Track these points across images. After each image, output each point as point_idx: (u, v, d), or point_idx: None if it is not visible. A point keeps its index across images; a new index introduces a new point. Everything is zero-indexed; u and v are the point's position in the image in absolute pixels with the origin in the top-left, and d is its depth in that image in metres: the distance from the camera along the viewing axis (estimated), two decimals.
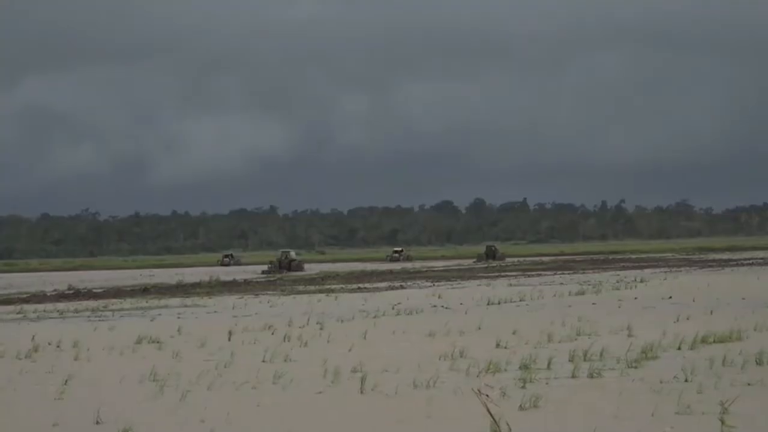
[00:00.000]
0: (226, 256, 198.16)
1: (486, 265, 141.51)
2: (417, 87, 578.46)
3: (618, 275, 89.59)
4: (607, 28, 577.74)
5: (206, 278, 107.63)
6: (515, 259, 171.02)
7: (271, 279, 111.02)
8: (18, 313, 59.05)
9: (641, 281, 75.95)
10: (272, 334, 39.17)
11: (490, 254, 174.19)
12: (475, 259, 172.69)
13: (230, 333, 38.83)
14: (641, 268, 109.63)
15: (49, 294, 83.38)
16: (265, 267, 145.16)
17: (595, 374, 25.03)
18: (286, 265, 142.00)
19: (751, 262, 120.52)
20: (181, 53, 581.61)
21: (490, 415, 15.46)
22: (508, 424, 16.40)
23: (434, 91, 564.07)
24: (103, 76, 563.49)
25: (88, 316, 54.01)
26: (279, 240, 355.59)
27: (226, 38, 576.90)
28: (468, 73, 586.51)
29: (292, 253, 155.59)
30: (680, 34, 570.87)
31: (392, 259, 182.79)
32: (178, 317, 50.99)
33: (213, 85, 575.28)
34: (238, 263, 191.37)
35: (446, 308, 52.05)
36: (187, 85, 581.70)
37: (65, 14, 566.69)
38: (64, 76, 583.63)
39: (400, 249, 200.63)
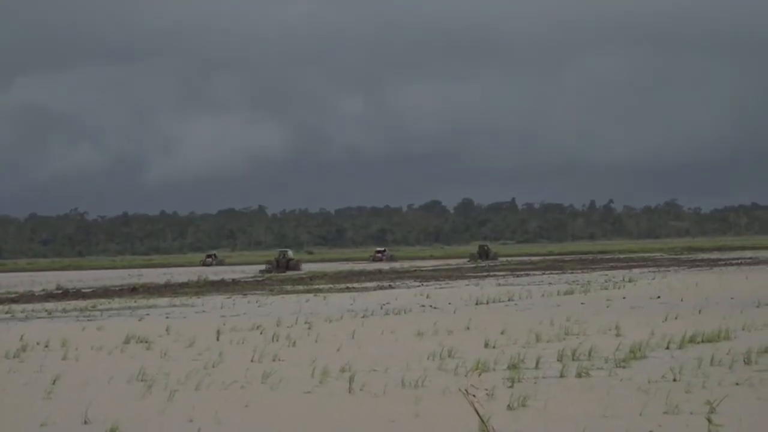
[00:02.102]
0: (209, 256, 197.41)
1: (474, 265, 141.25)
2: (410, 87, 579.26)
3: (606, 275, 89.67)
4: (606, 28, 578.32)
5: (195, 278, 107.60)
6: (504, 259, 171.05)
7: (259, 279, 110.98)
8: (6, 312, 58.93)
9: (630, 281, 76.02)
10: (261, 333, 39.15)
11: (483, 254, 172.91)
12: (467, 259, 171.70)
13: (218, 332, 38.83)
14: (630, 267, 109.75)
15: (37, 294, 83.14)
16: (261, 266, 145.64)
17: (583, 374, 25.06)
18: (284, 264, 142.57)
19: (739, 261, 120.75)
20: (177, 53, 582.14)
21: (478, 414, 15.47)
22: (493, 428, 16.41)
23: (428, 91, 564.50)
24: (96, 76, 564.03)
25: (77, 316, 53.92)
26: (267, 240, 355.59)
27: (224, 38, 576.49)
28: (463, 73, 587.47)
29: (290, 253, 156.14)
30: (679, 34, 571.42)
31: (375, 259, 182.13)
32: (167, 317, 50.92)
33: (207, 85, 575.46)
34: (221, 263, 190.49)
35: (435, 308, 52.02)
36: (180, 85, 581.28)
37: (59, 14, 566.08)
38: (54, 76, 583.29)
39: (382, 249, 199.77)
